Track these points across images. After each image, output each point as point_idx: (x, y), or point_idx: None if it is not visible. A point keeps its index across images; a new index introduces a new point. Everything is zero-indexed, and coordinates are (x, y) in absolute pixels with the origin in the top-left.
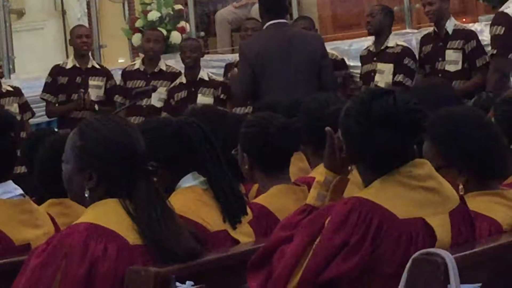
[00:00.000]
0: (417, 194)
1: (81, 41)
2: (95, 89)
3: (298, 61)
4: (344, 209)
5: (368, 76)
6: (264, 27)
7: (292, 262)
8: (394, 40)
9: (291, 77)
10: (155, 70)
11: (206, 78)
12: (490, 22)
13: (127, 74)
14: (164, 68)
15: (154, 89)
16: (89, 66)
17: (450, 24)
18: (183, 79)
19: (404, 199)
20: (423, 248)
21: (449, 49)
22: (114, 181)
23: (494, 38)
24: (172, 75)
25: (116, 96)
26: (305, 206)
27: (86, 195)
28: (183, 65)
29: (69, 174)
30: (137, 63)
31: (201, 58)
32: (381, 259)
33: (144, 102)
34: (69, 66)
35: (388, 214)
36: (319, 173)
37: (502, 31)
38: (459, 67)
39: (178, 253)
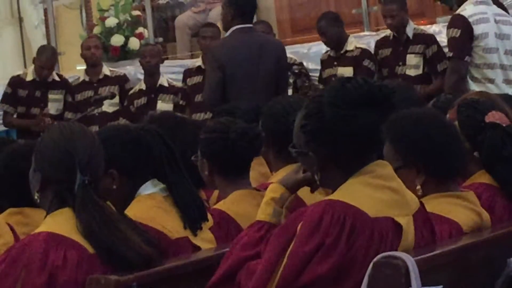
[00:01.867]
0: (384, 194)
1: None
2: (55, 103)
3: (266, 66)
4: (317, 212)
5: (329, 81)
6: (230, 31)
7: (266, 274)
8: (353, 43)
9: (260, 81)
10: (100, 77)
11: (166, 84)
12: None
13: (74, 88)
14: (108, 73)
15: (113, 95)
16: (50, 80)
17: (410, 29)
18: (142, 85)
19: (372, 199)
20: (391, 248)
21: (410, 53)
22: (55, 187)
23: (450, 40)
24: (118, 79)
25: (66, 113)
26: (260, 223)
27: (36, 197)
28: (141, 71)
29: (29, 174)
30: (81, 75)
31: (160, 64)
32: (355, 258)
33: (96, 110)
34: (28, 78)
35: (360, 213)
36: (272, 189)
37: (458, 34)
38: (419, 71)
39: (130, 259)
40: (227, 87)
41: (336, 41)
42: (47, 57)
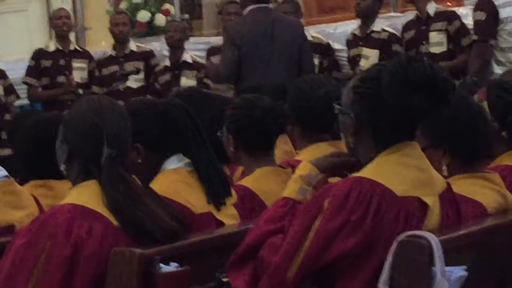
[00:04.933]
0: (413, 173)
1: (61, 21)
2: (79, 71)
3: (281, 45)
4: (344, 189)
5: (354, 61)
6: (247, 10)
7: (292, 249)
8: (379, 25)
9: (274, 60)
10: (126, 52)
11: (190, 61)
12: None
13: (101, 62)
14: (134, 48)
15: (138, 70)
16: (72, 48)
17: (431, 7)
18: (167, 62)
19: (401, 177)
20: (417, 227)
21: (432, 31)
22: (82, 159)
23: (476, 23)
24: (143, 54)
25: (93, 87)
26: (285, 199)
27: (62, 168)
28: (167, 48)
29: (56, 146)
30: (109, 49)
31: (186, 41)
32: (381, 236)
33: (121, 85)
34: (51, 49)
35: (387, 191)
36: (303, 161)
37: (484, 17)
38: (444, 48)
39: (155, 233)
40: (241, 65)
41: (366, 13)
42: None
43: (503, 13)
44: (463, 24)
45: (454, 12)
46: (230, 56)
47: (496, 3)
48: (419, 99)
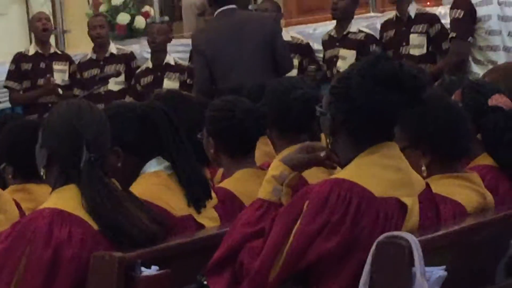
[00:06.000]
0: (391, 174)
1: (41, 23)
2: (60, 73)
3: (250, 46)
4: (323, 191)
5: (331, 61)
6: (214, 15)
7: (272, 253)
8: (355, 26)
9: (244, 63)
10: (106, 55)
11: (172, 63)
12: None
13: (81, 65)
14: (115, 51)
15: (118, 73)
16: (51, 51)
17: (412, 8)
18: (149, 64)
19: (379, 178)
20: (396, 228)
21: (413, 33)
22: (61, 163)
23: (453, 21)
24: (124, 57)
25: (75, 89)
26: (260, 201)
27: (42, 173)
28: (148, 50)
29: (35, 150)
30: (89, 52)
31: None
32: (360, 238)
33: (102, 88)
34: (31, 52)
35: (367, 192)
36: (275, 160)
37: (462, 15)
38: (423, 51)
39: (135, 237)
40: (212, 71)
41: (343, 14)
42: None
43: (480, 11)
44: (443, 27)
45: (435, 15)
46: (199, 68)
47: (473, 1)
48: (388, 98)
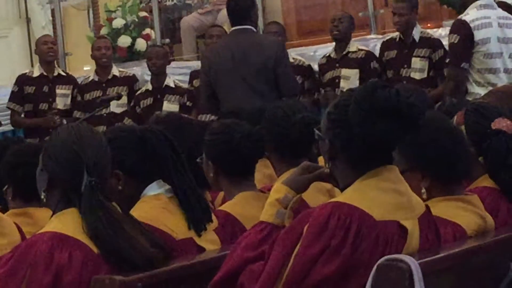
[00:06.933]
0: (391, 197)
1: (47, 47)
2: (62, 98)
3: (250, 71)
4: (323, 214)
5: (333, 83)
6: (229, 32)
7: (272, 276)
8: (355, 45)
9: (243, 87)
10: (109, 78)
11: (172, 85)
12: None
13: (83, 87)
14: (117, 74)
15: (120, 96)
16: (55, 74)
17: (417, 32)
18: (149, 86)
19: (379, 202)
20: (396, 251)
21: (415, 56)
22: (62, 187)
23: (450, 46)
24: (126, 79)
25: (75, 112)
26: (263, 224)
27: (42, 197)
28: (148, 72)
29: (36, 174)
30: (91, 74)
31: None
32: (360, 261)
33: (104, 110)
34: (35, 74)
35: (366, 216)
36: (277, 183)
37: (457, 40)
38: (424, 75)
39: (135, 261)
40: (215, 91)
41: (343, 36)
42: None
43: (478, 35)
44: (446, 53)
45: (439, 40)
46: (203, 86)
47: (471, 25)
48: (385, 127)
